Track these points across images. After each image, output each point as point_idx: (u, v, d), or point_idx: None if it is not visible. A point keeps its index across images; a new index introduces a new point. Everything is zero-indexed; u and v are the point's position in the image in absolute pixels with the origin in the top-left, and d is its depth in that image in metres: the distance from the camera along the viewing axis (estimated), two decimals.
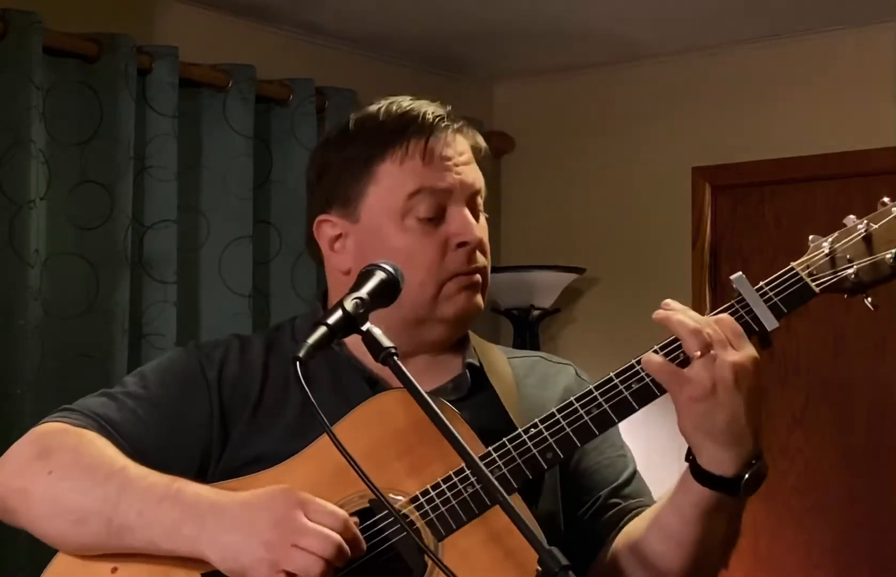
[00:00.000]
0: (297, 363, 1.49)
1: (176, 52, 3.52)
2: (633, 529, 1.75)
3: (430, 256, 1.76)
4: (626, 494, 1.81)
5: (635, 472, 1.85)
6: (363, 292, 1.58)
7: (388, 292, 1.61)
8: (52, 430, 1.74)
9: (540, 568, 1.38)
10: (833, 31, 4.05)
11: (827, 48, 4.09)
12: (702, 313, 1.63)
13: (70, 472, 1.67)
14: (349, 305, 1.55)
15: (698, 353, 1.57)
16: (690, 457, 1.63)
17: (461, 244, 1.77)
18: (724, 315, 1.62)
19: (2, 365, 3.15)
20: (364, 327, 1.55)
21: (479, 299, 1.80)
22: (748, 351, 1.59)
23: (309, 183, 1.89)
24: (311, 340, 1.52)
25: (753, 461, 1.61)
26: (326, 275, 1.88)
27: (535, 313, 4.31)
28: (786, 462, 4.09)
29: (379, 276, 1.60)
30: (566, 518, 1.80)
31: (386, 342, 1.54)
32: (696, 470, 1.62)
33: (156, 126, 3.49)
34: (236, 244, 3.65)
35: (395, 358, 1.53)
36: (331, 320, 1.54)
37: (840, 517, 4.03)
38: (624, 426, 1.73)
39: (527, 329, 4.31)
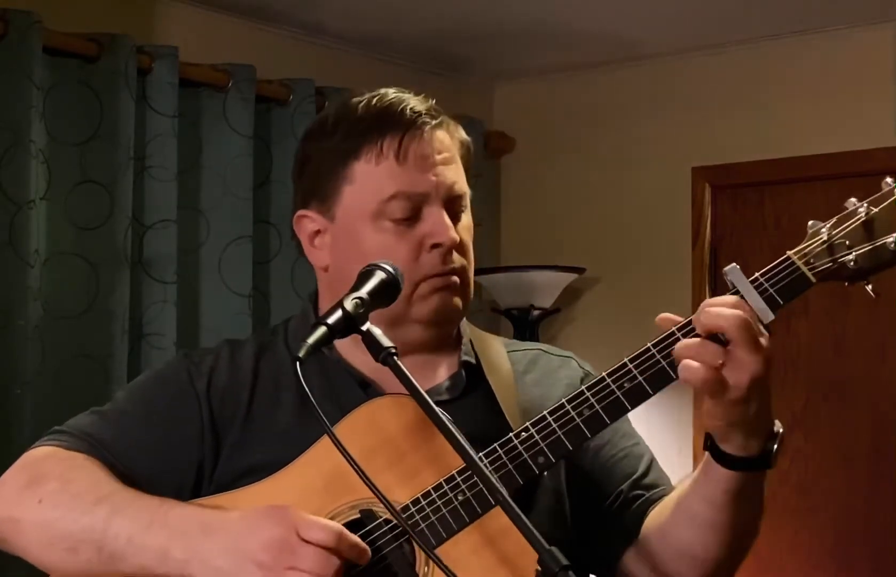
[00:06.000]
0: (298, 363, 1.48)
1: (176, 52, 3.52)
2: (658, 519, 1.72)
3: (404, 257, 1.72)
4: (647, 484, 1.78)
5: (652, 459, 1.83)
6: (363, 291, 1.57)
7: (388, 291, 1.60)
8: (41, 456, 1.72)
9: (540, 568, 1.37)
10: (833, 31, 4.05)
11: (827, 48, 4.09)
12: None
13: (60, 500, 1.66)
14: (349, 304, 1.54)
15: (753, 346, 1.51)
16: (710, 444, 1.60)
17: (435, 245, 1.74)
18: (743, 311, 1.53)
19: (2, 365, 3.15)
20: (364, 327, 1.54)
21: (456, 300, 1.77)
22: (767, 339, 1.54)
23: (293, 175, 1.89)
24: (311, 340, 1.51)
25: (775, 431, 1.61)
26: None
27: (535, 313, 4.31)
28: (786, 462, 4.09)
29: (379, 275, 1.60)
30: (589, 516, 1.77)
31: (386, 342, 1.53)
32: (721, 456, 1.59)
33: (156, 126, 3.49)
34: (236, 244, 3.65)
35: (395, 358, 1.52)
36: (330, 320, 1.53)
37: (840, 517, 4.03)
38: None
39: (527, 329, 4.31)
